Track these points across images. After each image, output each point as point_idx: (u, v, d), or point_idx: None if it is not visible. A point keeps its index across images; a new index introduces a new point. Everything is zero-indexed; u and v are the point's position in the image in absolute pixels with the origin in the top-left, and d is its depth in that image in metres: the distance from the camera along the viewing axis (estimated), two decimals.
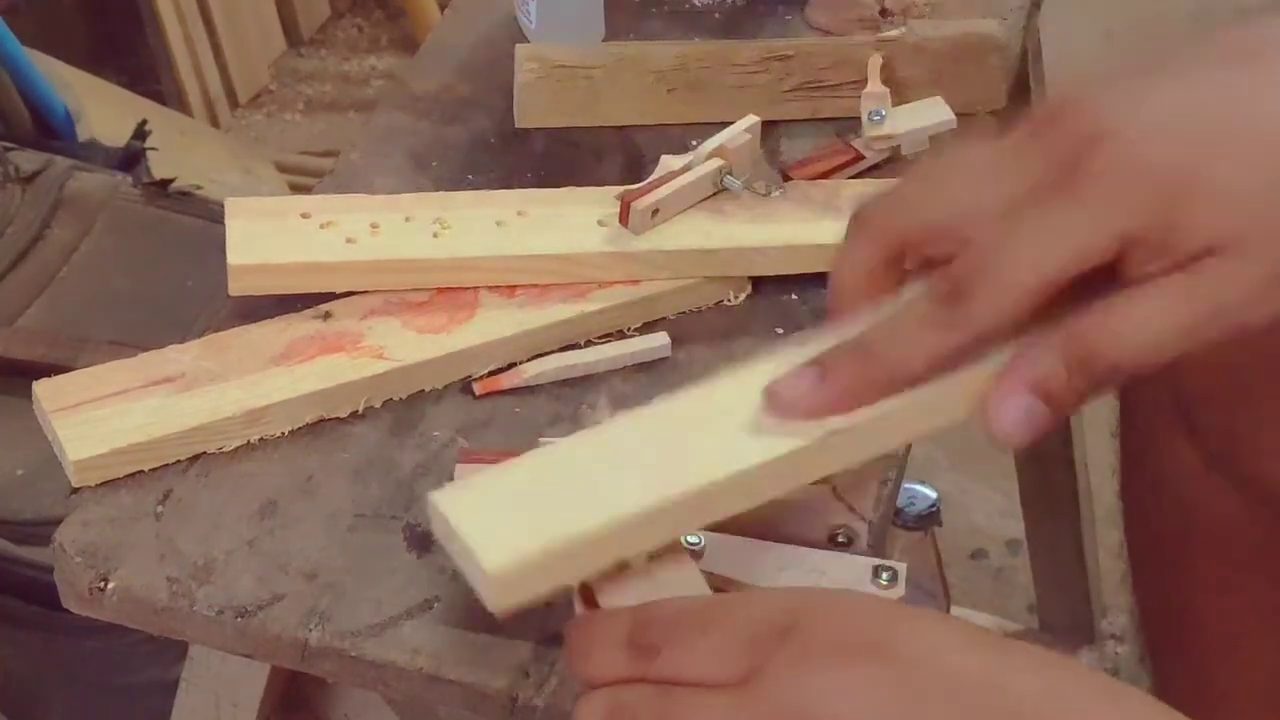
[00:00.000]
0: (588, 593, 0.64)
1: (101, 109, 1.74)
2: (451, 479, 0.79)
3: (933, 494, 1.31)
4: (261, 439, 0.83)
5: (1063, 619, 1.61)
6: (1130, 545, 1.16)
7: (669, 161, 0.91)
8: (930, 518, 1.31)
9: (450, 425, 0.84)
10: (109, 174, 1.47)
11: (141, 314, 1.33)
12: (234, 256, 0.86)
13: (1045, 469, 1.49)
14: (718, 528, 0.74)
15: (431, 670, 0.73)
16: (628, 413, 0.69)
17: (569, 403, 0.85)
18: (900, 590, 0.72)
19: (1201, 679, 1.11)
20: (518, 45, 1.01)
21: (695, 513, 0.65)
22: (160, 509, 0.79)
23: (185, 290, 1.32)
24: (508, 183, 0.96)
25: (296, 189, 1.99)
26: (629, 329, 0.88)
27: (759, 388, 0.66)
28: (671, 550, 0.65)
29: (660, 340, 0.87)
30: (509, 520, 0.62)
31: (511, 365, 0.86)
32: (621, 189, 0.89)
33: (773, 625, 0.58)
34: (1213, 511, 1.05)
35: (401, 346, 0.85)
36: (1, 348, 1.30)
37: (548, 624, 0.74)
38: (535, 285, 0.88)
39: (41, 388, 0.83)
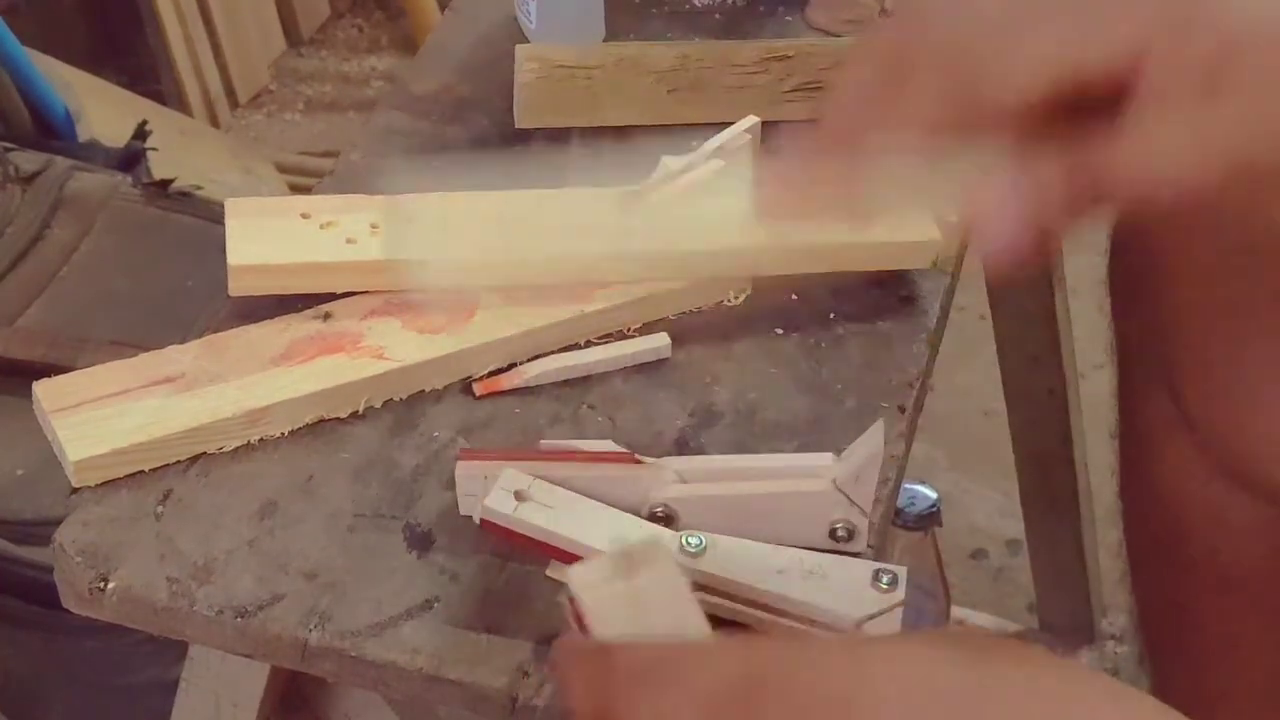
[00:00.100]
0: (576, 606, 0.63)
1: (101, 109, 1.74)
2: (451, 479, 0.79)
3: (933, 494, 1.31)
4: (261, 439, 0.83)
5: (1063, 619, 1.61)
6: (1130, 545, 1.17)
7: (669, 161, 0.91)
8: (930, 518, 1.31)
9: (450, 425, 0.84)
10: (109, 174, 1.47)
11: (141, 314, 1.33)
12: (234, 256, 0.86)
13: (1045, 469, 1.49)
14: (718, 528, 0.75)
15: (431, 670, 0.73)
16: None
17: (569, 403, 0.85)
18: (901, 593, 0.72)
19: (1200, 679, 1.11)
20: (518, 45, 1.01)
21: None
22: (160, 509, 0.79)
23: (185, 290, 1.32)
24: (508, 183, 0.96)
25: (296, 189, 1.99)
26: (629, 329, 0.88)
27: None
28: (659, 562, 0.64)
29: (660, 340, 0.87)
30: None
31: (511, 365, 0.86)
32: (622, 189, 0.89)
33: (733, 687, 0.56)
34: (1212, 512, 1.05)
35: (401, 346, 0.85)
36: (1, 348, 1.30)
37: (547, 624, 0.74)
38: (535, 285, 0.88)
39: (41, 388, 0.83)
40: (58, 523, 0.79)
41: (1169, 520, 1.09)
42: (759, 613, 0.72)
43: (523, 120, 1.00)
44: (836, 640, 0.69)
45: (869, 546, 0.78)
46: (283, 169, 2.10)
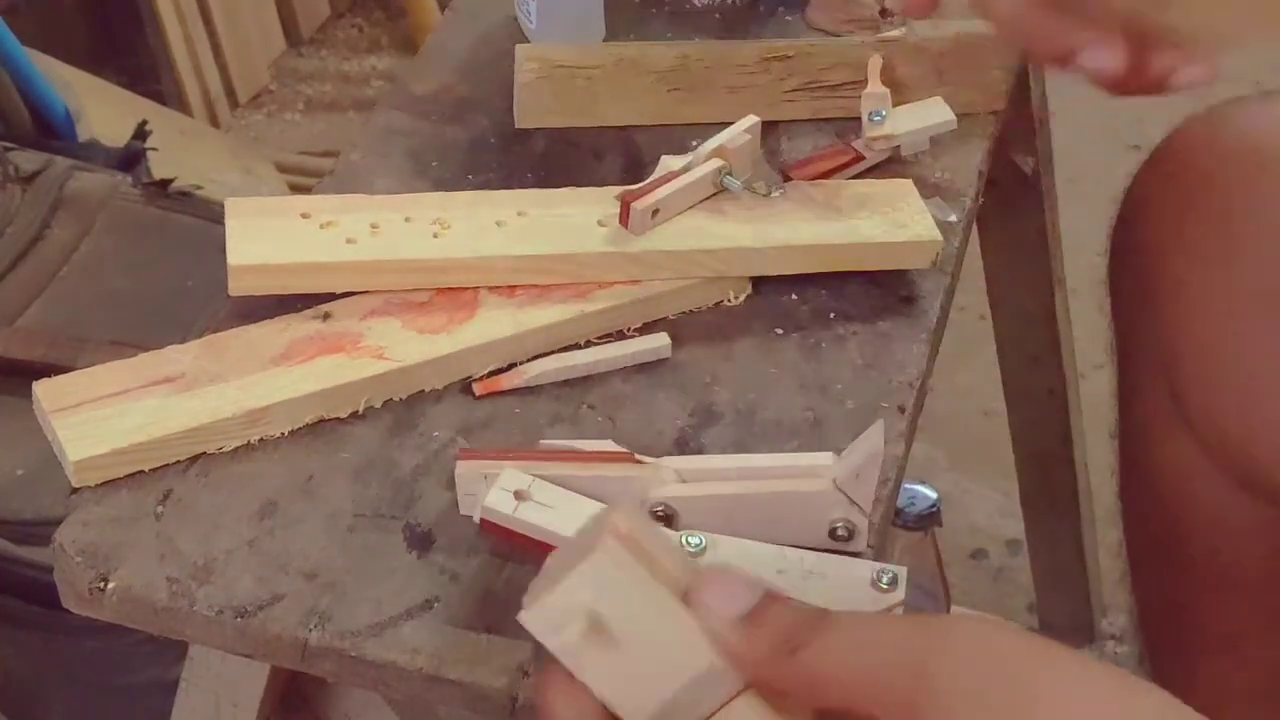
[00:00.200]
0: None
1: (101, 109, 1.74)
2: (451, 479, 0.79)
3: (933, 494, 1.32)
4: (261, 439, 0.83)
5: (1063, 619, 1.61)
6: (1130, 545, 1.17)
7: (669, 161, 0.91)
8: (930, 518, 1.32)
9: (450, 425, 0.84)
10: (109, 174, 1.47)
11: (141, 314, 1.33)
12: (234, 257, 0.86)
13: (1045, 469, 1.49)
14: (718, 528, 0.75)
15: (431, 670, 0.73)
16: None
17: (569, 403, 0.85)
18: (901, 593, 0.72)
19: (1200, 679, 1.11)
20: (518, 45, 1.01)
21: None
22: (160, 509, 0.79)
23: (185, 290, 1.32)
24: (508, 183, 0.96)
25: (296, 189, 1.99)
26: (629, 329, 0.88)
27: None
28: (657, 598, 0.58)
29: (660, 340, 0.87)
30: None
31: (511, 365, 0.86)
32: (621, 189, 0.89)
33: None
34: (1212, 512, 1.05)
35: (401, 346, 0.85)
36: (1, 348, 1.30)
37: None
38: (535, 285, 0.88)
39: (41, 388, 0.83)
40: (58, 523, 0.79)
41: (1169, 520, 1.09)
42: None
43: (523, 120, 1.00)
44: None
45: (869, 546, 0.78)
46: (283, 169, 2.10)
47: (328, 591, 0.76)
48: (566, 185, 0.93)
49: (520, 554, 0.76)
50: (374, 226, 0.88)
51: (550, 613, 0.57)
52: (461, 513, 0.79)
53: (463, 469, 0.78)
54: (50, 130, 1.61)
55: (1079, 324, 1.40)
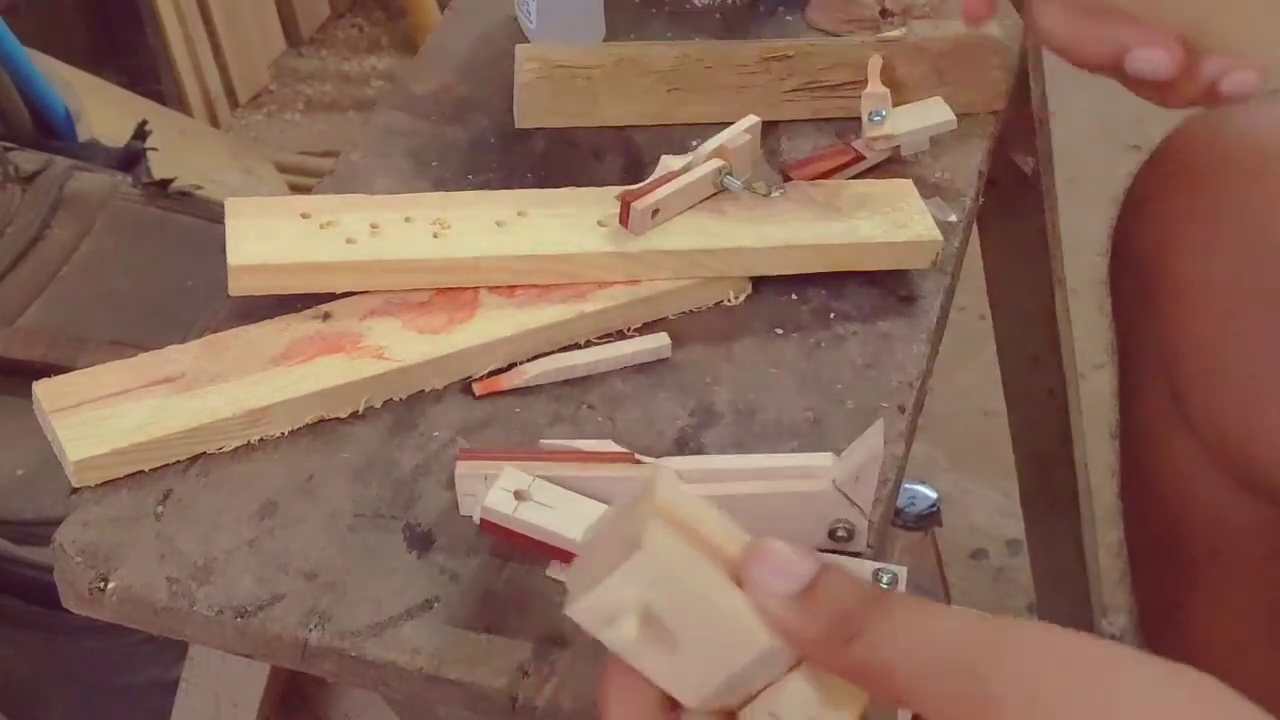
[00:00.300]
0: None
1: (101, 109, 1.74)
2: (451, 479, 0.79)
3: (933, 494, 1.32)
4: (261, 439, 0.83)
5: (1063, 619, 1.60)
6: (1130, 545, 1.16)
7: (669, 161, 0.91)
8: (930, 518, 1.32)
9: (450, 425, 0.84)
10: (109, 174, 1.47)
11: (141, 314, 1.33)
12: (234, 256, 0.86)
13: (1045, 469, 1.49)
14: None
15: (431, 670, 0.73)
16: None
17: (569, 403, 0.85)
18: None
19: None
20: (518, 45, 1.01)
21: None
22: (160, 509, 0.79)
23: (185, 290, 1.32)
24: (508, 183, 0.96)
25: (296, 189, 1.99)
26: (629, 329, 0.88)
27: None
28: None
29: (660, 340, 0.87)
30: None
31: (511, 365, 0.86)
32: (621, 189, 0.89)
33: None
34: (1212, 512, 1.05)
35: (401, 346, 0.85)
36: (1, 348, 1.30)
37: (547, 624, 0.74)
38: (535, 285, 0.88)
39: (41, 388, 0.83)
40: (58, 523, 0.79)
41: (1169, 520, 1.09)
42: None
43: (523, 120, 1.00)
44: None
45: (869, 546, 0.78)
46: (283, 169, 2.10)
47: (328, 591, 0.76)
48: (566, 185, 0.93)
49: (520, 554, 0.76)
50: (374, 226, 0.88)
51: (600, 606, 0.55)
52: (461, 513, 0.79)
53: (463, 469, 0.78)
54: (50, 130, 1.61)
55: (1079, 324, 1.40)
